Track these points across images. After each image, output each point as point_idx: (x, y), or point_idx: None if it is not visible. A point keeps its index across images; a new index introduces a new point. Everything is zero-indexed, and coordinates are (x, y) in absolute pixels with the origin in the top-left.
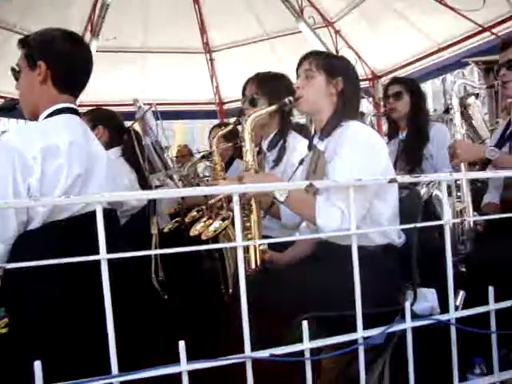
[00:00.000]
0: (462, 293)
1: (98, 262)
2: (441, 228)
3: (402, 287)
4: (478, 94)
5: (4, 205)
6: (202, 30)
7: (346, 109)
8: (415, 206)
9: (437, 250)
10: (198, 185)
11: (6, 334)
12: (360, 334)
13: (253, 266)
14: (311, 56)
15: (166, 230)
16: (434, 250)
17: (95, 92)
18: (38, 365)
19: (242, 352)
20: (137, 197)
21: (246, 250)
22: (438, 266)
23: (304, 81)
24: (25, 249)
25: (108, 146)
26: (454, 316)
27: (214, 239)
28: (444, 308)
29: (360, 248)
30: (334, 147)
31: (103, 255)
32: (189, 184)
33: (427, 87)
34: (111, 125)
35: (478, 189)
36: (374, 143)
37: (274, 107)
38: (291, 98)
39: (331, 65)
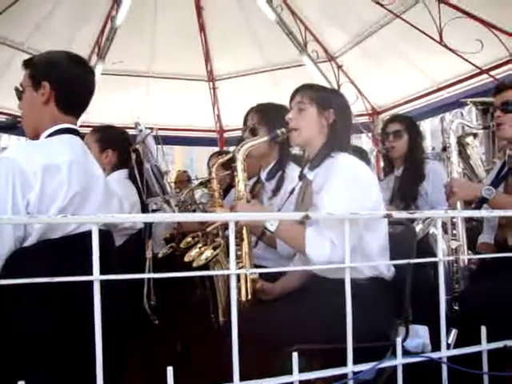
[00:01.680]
0: (454, 331)
1: (90, 283)
2: (436, 265)
3: (393, 322)
4: (475, 133)
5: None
6: (207, 59)
7: (337, 141)
8: (409, 242)
9: (431, 288)
10: (194, 211)
11: None
12: (350, 368)
13: (243, 295)
14: (303, 89)
15: (160, 255)
16: (428, 288)
17: (99, 113)
18: None
19: (231, 381)
20: (132, 219)
21: (237, 279)
22: (431, 303)
23: (296, 113)
24: (18, 266)
25: (116, 167)
26: (446, 354)
27: (206, 268)
28: (436, 346)
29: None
30: (322, 178)
31: (96, 276)
32: (185, 210)
33: (426, 125)
34: (120, 147)
35: (474, 227)
36: (365, 176)
37: (265, 138)
38: (283, 129)
39: (323, 97)
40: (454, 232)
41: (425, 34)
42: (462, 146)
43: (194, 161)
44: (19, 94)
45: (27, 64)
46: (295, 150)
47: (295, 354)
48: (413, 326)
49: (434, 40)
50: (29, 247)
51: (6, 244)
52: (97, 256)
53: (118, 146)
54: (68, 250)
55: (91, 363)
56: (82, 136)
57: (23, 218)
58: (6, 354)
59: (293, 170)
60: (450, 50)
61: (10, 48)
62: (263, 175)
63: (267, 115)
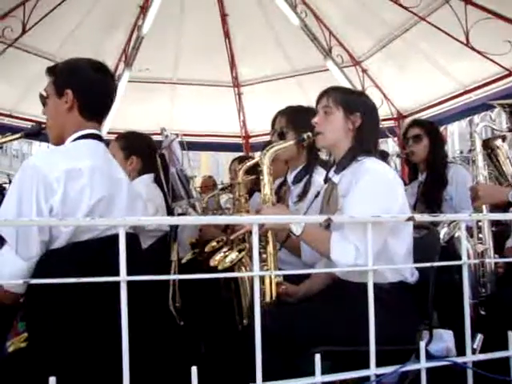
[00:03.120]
0: (480, 336)
1: (117, 285)
2: (460, 268)
3: (417, 326)
4: (504, 136)
5: (31, 222)
6: (232, 65)
7: (363, 144)
8: (433, 246)
9: (457, 292)
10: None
11: (24, 349)
12: (373, 370)
13: (268, 297)
14: (329, 92)
15: (184, 260)
16: (454, 292)
17: (126, 120)
18: (52, 381)
19: (254, 382)
20: (157, 222)
21: (262, 281)
22: (457, 307)
23: (322, 117)
24: (48, 267)
25: (141, 173)
26: (471, 359)
27: (230, 271)
28: (462, 351)
29: (373, 285)
30: (348, 181)
31: (123, 277)
32: (210, 215)
33: (454, 129)
34: (145, 153)
35: (502, 231)
36: (391, 180)
37: (291, 142)
38: (310, 133)
39: (349, 101)
40: (480, 236)
41: (451, 36)
42: (490, 148)
43: (221, 166)
44: (43, 100)
45: (51, 71)
46: (323, 155)
47: (318, 356)
48: (437, 330)
49: (461, 42)
50: (58, 249)
51: (34, 247)
52: (123, 257)
53: (142, 152)
54: (96, 253)
55: (117, 363)
56: (106, 142)
57: (53, 220)
58: (36, 353)
59: (320, 175)
60: (477, 51)
61: (41, 59)
62: (290, 178)
63: (295, 118)
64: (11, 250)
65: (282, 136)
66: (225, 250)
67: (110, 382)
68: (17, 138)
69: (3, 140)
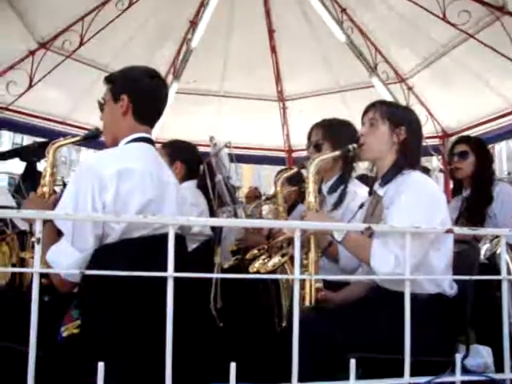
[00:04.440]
0: None
1: (164, 282)
2: (499, 284)
3: (453, 339)
4: None
5: (89, 217)
6: (278, 79)
7: (408, 158)
8: (473, 261)
9: (497, 310)
10: (261, 228)
11: (77, 335)
12: (407, 379)
13: (307, 302)
14: (376, 105)
15: (226, 266)
16: (494, 310)
17: (173, 130)
18: (101, 366)
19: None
20: (205, 223)
21: (302, 286)
22: (497, 325)
23: (368, 129)
24: (101, 260)
25: (185, 179)
26: (510, 377)
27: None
28: (501, 369)
29: (411, 295)
30: (393, 194)
31: (170, 273)
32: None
33: (501, 149)
34: (189, 159)
35: None
36: (434, 194)
37: (337, 153)
38: (355, 144)
39: (395, 114)
40: None
41: (500, 53)
42: None
43: (262, 178)
44: (101, 106)
45: (108, 79)
46: (361, 170)
47: (353, 361)
48: (475, 345)
49: (510, 59)
50: (110, 244)
51: (89, 240)
52: (172, 254)
53: (186, 159)
54: (146, 249)
55: (160, 355)
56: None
57: (109, 215)
58: (87, 340)
59: (355, 186)
60: None
61: (95, 69)
62: (325, 188)
63: (331, 130)
64: (67, 242)
65: (317, 148)
66: (264, 257)
67: (153, 371)
68: (77, 141)
69: (64, 142)
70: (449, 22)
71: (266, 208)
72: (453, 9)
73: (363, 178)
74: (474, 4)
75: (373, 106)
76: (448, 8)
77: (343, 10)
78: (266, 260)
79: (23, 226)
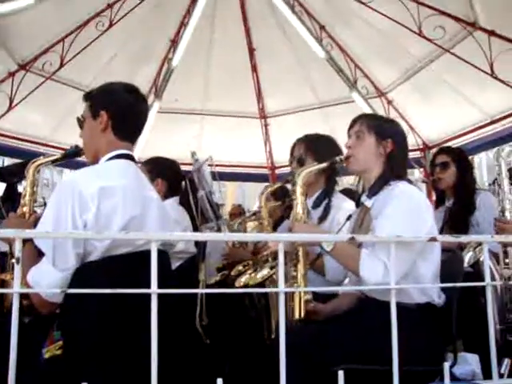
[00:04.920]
0: (507, 361)
1: (148, 299)
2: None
3: (442, 348)
4: None
5: (69, 235)
6: (259, 97)
7: (395, 170)
8: (457, 268)
9: (483, 317)
10: (246, 244)
11: (59, 356)
12: None
13: (296, 314)
14: (363, 118)
15: (212, 281)
16: (480, 317)
17: (155, 149)
18: None
19: None
20: (188, 238)
21: (291, 298)
22: (484, 332)
23: (355, 141)
24: (83, 279)
25: (166, 196)
26: (498, 383)
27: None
28: (489, 375)
29: (399, 304)
30: (380, 205)
31: (154, 289)
32: (237, 242)
33: (482, 161)
34: (170, 175)
35: None
36: (421, 204)
37: (324, 164)
38: (342, 156)
39: (381, 127)
40: (507, 261)
41: (475, 67)
42: None
43: (246, 196)
44: (80, 123)
45: (87, 96)
46: (344, 185)
47: (341, 373)
48: (463, 354)
49: (485, 72)
50: (92, 262)
51: (70, 259)
52: (155, 270)
53: (167, 175)
54: (129, 267)
55: (146, 375)
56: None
57: (89, 233)
58: (70, 361)
59: (339, 198)
60: (502, 81)
61: (76, 90)
62: (309, 203)
63: (314, 145)
64: (48, 262)
65: (301, 163)
66: (250, 271)
67: None
68: (57, 159)
69: (44, 161)
70: (425, 37)
71: (250, 225)
72: (428, 24)
73: (347, 193)
74: (448, 20)
75: (359, 119)
76: (423, 24)
77: (322, 27)
78: (252, 274)
79: (3, 248)
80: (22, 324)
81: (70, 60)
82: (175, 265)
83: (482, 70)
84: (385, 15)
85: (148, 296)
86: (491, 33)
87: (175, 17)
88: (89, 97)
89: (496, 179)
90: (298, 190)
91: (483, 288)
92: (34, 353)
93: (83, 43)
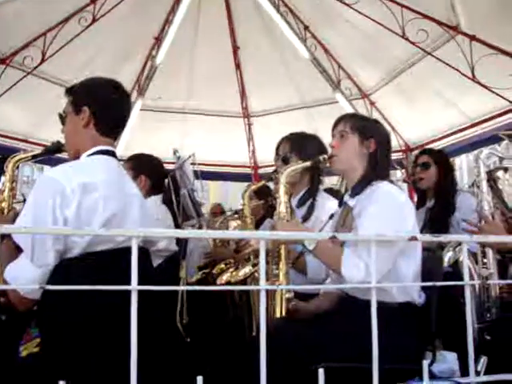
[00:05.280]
0: (484, 358)
1: (127, 296)
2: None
3: (421, 347)
4: (506, 168)
5: (48, 230)
6: (242, 96)
7: (377, 169)
8: (436, 267)
9: (462, 316)
10: (228, 243)
11: (37, 353)
12: None
13: (278, 312)
14: (346, 118)
15: (193, 279)
16: (459, 316)
17: (137, 148)
18: None
19: None
20: (170, 235)
21: (272, 296)
22: (462, 331)
23: (338, 141)
24: (62, 275)
25: (149, 193)
26: (474, 380)
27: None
28: (466, 373)
29: (380, 303)
30: (363, 205)
31: (134, 286)
32: (219, 240)
33: (462, 163)
34: (153, 173)
35: (507, 262)
36: (403, 204)
37: (308, 163)
38: (325, 155)
39: (365, 127)
40: (485, 261)
41: (457, 70)
42: (492, 180)
43: (230, 195)
44: (62, 119)
45: (69, 91)
46: (327, 185)
47: (321, 371)
48: (441, 352)
49: (466, 76)
50: (72, 258)
51: (49, 255)
52: (135, 267)
53: (150, 172)
54: (109, 263)
55: (124, 373)
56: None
57: (69, 229)
58: (48, 358)
59: (323, 197)
60: (483, 85)
61: (58, 86)
62: (293, 202)
63: (299, 144)
64: (27, 258)
65: (285, 161)
66: (231, 270)
67: None
68: (37, 155)
69: (23, 156)
70: (408, 40)
71: (232, 224)
72: (411, 27)
73: (330, 192)
74: (431, 23)
75: (342, 119)
76: (407, 26)
77: (306, 28)
78: (233, 273)
79: None
80: None
81: (51, 55)
82: (156, 262)
83: (463, 74)
84: (369, 17)
85: (128, 293)
86: (472, 37)
87: (159, 14)
88: (71, 92)
89: (475, 181)
90: (282, 188)
91: (462, 287)
92: (11, 350)
93: (65, 38)
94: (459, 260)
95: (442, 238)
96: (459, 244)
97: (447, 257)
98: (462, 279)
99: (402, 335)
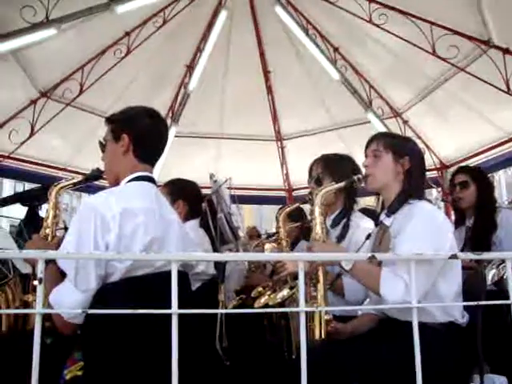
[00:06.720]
0: None
1: (168, 320)
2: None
3: (467, 370)
4: None
5: (91, 256)
6: (275, 119)
7: (413, 187)
8: (479, 286)
9: (509, 336)
10: (264, 265)
11: (80, 377)
12: None
13: (317, 334)
14: (379, 137)
15: (230, 306)
16: (506, 337)
17: (172, 173)
18: None
19: None
20: (209, 258)
21: (311, 318)
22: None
23: (372, 160)
24: (104, 300)
25: (187, 218)
26: None
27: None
28: None
29: (421, 324)
30: (400, 223)
31: (175, 310)
32: (255, 265)
33: (501, 178)
34: (190, 197)
35: None
36: (441, 223)
37: (343, 184)
38: (360, 175)
39: (398, 145)
40: None
41: (491, 84)
42: None
43: (264, 219)
44: (102, 147)
45: (109, 120)
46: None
47: None
48: (489, 375)
49: (501, 90)
50: (114, 283)
51: (92, 280)
52: (175, 290)
53: (188, 197)
54: (150, 287)
55: None
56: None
57: (111, 254)
58: (91, 381)
59: (357, 217)
60: None
61: (95, 116)
62: (328, 222)
63: (331, 164)
64: (70, 283)
65: (318, 182)
66: (269, 293)
67: None
68: (79, 182)
69: (66, 183)
70: (439, 57)
71: (267, 247)
72: (442, 44)
73: (365, 212)
74: (461, 39)
75: (375, 138)
76: (437, 43)
77: (336, 50)
78: (271, 296)
79: (25, 270)
80: (44, 345)
81: (88, 87)
82: (195, 286)
83: (498, 88)
84: (398, 36)
85: (168, 317)
86: (506, 50)
87: (191, 43)
88: (111, 120)
89: None
90: (317, 209)
91: (508, 307)
92: (56, 374)
93: (102, 70)
94: (503, 278)
95: (484, 255)
96: (502, 261)
97: (490, 275)
98: (506, 298)
99: (446, 357)
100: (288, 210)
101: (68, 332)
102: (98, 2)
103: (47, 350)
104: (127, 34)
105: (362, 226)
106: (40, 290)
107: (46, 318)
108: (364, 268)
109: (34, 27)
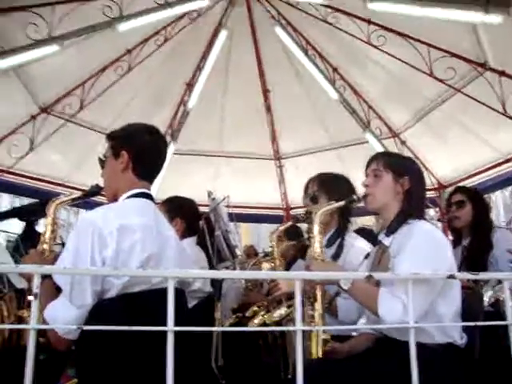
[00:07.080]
0: None
1: (164, 337)
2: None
3: None
4: None
5: (87, 271)
6: (273, 138)
7: (413, 207)
8: (476, 307)
9: (507, 359)
10: (261, 284)
11: None
12: None
13: (314, 354)
14: (379, 156)
15: (227, 324)
16: (503, 359)
17: (170, 190)
18: None
19: None
20: (206, 275)
21: (308, 338)
22: (508, 375)
23: (372, 179)
24: (99, 316)
25: (184, 235)
26: None
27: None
28: None
29: (420, 345)
30: (399, 243)
31: (170, 327)
32: (252, 283)
33: (497, 198)
34: (188, 215)
35: None
36: (440, 243)
37: (343, 202)
38: (359, 195)
39: (398, 164)
40: None
41: (487, 106)
42: None
43: (261, 238)
44: (102, 163)
45: (109, 137)
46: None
47: None
48: None
49: (498, 111)
50: (109, 299)
51: (87, 296)
52: (172, 307)
53: (186, 215)
54: (145, 304)
55: None
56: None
57: (107, 269)
58: None
59: (351, 237)
60: None
61: (95, 132)
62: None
63: (327, 183)
64: (65, 298)
65: (314, 200)
66: (262, 313)
67: None
68: (77, 198)
69: (65, 199)
70: (436, 78)
71: (264, 266)
72: (439, 66)
73: (362, 232)
74: (458, 61)
75: (375, 158)
76: (434, 65)
77: (335, 70)
78: (265, 316)
79: (21, 285)
80: (38, 361)
81: (89, 103)
82: (191, 303)
83: (494, 109)
84: (396, 58)
85: (164, 334)
86: (501, 73)
87: (191, 61)
88: (111, 137)
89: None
90: (316, 228)
91: (505, 328)
92: None
93: (102, 87)
94: (500, 299)
95: (482, 275)
96: (499, 282)
97: (487, 296)
98: (503, 319)
99: (444, 378)
100: (281, 228)
101: (62, 348)
102: (101, 19)
103: (40, 367)
104: (128, 51)
105: (357, 245)
106: (35, 305)
107: (41, 333)
108: (362, 288)
109: (37, 44)
